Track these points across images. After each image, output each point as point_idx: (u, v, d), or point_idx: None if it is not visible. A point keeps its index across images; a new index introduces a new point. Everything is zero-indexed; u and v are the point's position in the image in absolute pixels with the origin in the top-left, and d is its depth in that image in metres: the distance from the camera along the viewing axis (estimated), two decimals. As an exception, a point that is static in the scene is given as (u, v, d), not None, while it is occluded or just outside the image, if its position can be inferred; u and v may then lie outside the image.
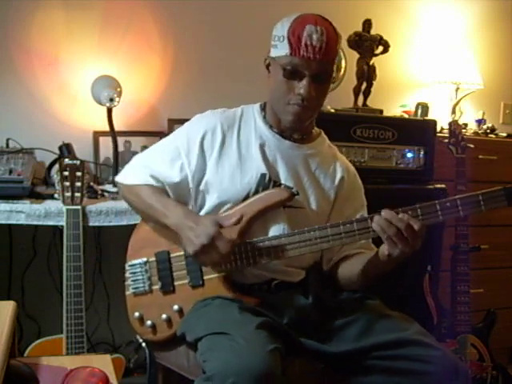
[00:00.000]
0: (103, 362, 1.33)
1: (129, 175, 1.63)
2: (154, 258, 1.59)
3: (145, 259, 1.60)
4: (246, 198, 1.52)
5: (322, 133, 1.68)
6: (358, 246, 1.56)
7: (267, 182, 1.53)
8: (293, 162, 1.57)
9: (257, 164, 1.54)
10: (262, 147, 1.55)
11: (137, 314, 1.58)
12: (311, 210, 1.56)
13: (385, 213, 1.34)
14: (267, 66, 1.54)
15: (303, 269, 1.59)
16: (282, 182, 1.55)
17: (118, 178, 1.67)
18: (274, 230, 1.51)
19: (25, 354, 1.99)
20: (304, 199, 1.55)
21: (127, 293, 1.61)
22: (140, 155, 1.67)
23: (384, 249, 1.36)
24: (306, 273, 1.59)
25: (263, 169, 1.53)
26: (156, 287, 1.57)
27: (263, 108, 1.60)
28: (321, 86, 1.48)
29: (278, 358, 1.25)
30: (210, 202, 1.54)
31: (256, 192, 1.52)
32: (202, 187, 1.55)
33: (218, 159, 1.54)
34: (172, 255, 1.57)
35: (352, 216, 1.55)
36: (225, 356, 1.24)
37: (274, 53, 1.49)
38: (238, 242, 1.45)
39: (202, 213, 1.56)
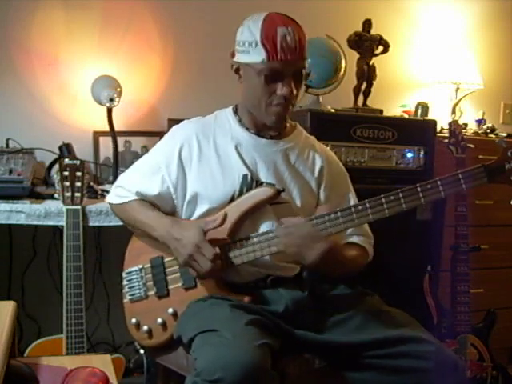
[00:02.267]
0: (103, 362, 1.33)
1: (116, 195, 1.67)
2: (148, 264, 1.61)
3: (140, 266, 1.62)
4: (232, 200, 1.53)
5: (298, 125, 1.69)
6: (350, 232, 1.57)
7: (250, 181, 1.54)
8: (272, 159, 1.58)
9: (237, 166, 1.55)
10: (238, 149, 1.57)
11: (134, 320, 1.59)
12: (296, 203, 1.57)
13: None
14: (236, 71, 1.56)
15: (298, 263, 1.59)
16: (264, 180, 1.56)
17: (108, 199, 1.72)
18: (264, 228, 1.52)
19: (25, 354, 1.99)
20: (287, 194, 1.56)
21: (125, 300, 1.63)
22: (124, 174, 1.71)
23: None
24: (301, 268, 1.60)
25: (244, 170, 1.55)
26: (151, 293, 1.59)
27: (236, 111, 1.62)
28: (298, 83, 1.51)
29: (266, 353, 1.26)
30: (198, 210, 1.57)
31: (240, 193, 1.54)
32: (188, 198, 1.57)
33: (198, 168, 1.56)
34: (166, 259, 1.59)
35: (341, 204, 1.55)
36: (213, 351, 1.25)
37: (245, 58, 1.49)
38: (227, 242, 1.48)
39: (191, 219, 1.58)
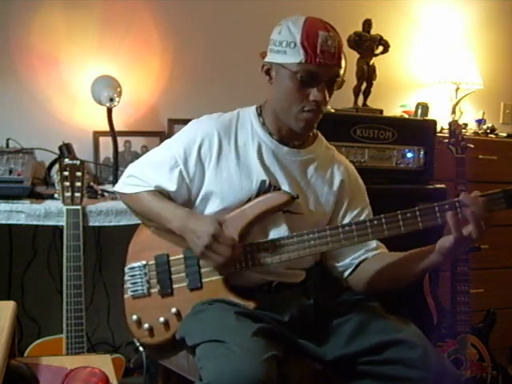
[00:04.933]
0: (103, 362, 1.32)
1: (128, 184, 1.62)
2: (153, 261, 1.58)
3: (144, 262, 1.59)
4: (247, 203, 1.51)
5: (319, 134, 1.66)
6: (374, 246, 1.54)
7: (267, 187, 1.52)
8: (290, 169, 1.55)
9: (256, 170, 1.53)
10: (259, 153, 1.54)
11: (134, 317, 1.57)
12: (310, 215, 1.55)
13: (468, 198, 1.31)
14: (267, 72, 1.51)
15: (304, 269, 1.59)
16: (281, 188, 1.54)
17: (117, 188, 1.67)
18: (274, 234, 1.51)
19: (25, 354, 1.99)
20: (302, 205, 1.55)
21: (125, 296, 1.61)
22: (135, 164, 1.65)
23: (449, 240, 1.33)
24: (307, 273, 1.59)
25: (263, 175, 1.52)
26: (154, 290, 1.57)
27: (260, 113, 1.58)
28: (332, 90, 1.48)
29: (273, 367, 1.25)
30: (211, 209, 1.54)
31: (257, 198, 1.51)
32: (201, 195, 1.55)
33: (216, 166, 1.52)
34: (171, 258, 1.57)
35: (357, 217, 1.56)
36: (220, 364, 1.24)
37: (280, 59, 1.45)
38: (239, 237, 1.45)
39: None
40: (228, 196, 1.51)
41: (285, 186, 1.53)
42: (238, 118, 1.58)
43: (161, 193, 1.56)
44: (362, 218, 1.58)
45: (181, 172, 1.53)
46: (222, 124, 1.55)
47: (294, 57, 1.42)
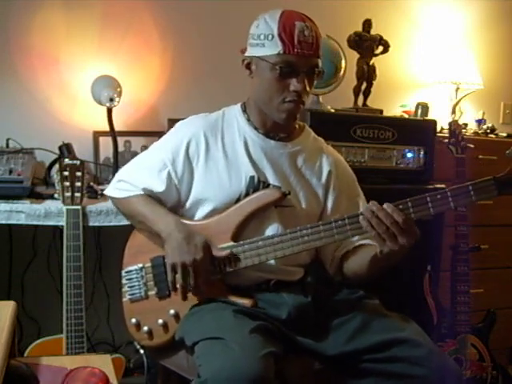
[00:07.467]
0: (103, 362, 1.33)
1: (118, 188, 1.63)
2: (149, 264, 1.59)
3: (140, 265, 1.60)
4: (238, 201, 1.52)
5: (306, 126, 1.67)
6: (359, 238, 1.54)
7: (257, 183, 1.53)
8: (279, 162, 1.56)
9: (245, 167, 1.53)
10: (247, 149, 1.55)
11: (133, 320, 1.58)
12: (301, 208, 1.56)
13: (372, 206, 1.32)
14: (247, 66, 1.53)
15: (302, 267, 1.59)
16: (270, 182, 1.54)
17: (107, 192, 1.68)
18: (269, 230, 1.52)
19: (25, 354, 1.99)
20: (294, 198, 1.55)
21: (124, 299, 1.62)
22: (125, 169, 1.67)
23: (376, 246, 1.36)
24: (305, 271, 1.59)
25: (251, 171, 1.53)
26: (152, 293, 1.58)
27: (244, 110, 1.59)
28: (312, 80, 1.49)
29: (271, 363, 1.25)
30: (202, 209, 1.55)
31: (247, 195, 1.52)
32: (192, 196, 1.55)
33: (205, 166, 1.54)
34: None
35: (349, 208, 1.55)
36: (218, 361, 1.25)
37: (259, 52, 1.47)
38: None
39: (195, 219, 1.57)
40: (218, 195, 1.52)
41: (274, 180, 1.54)
42: (224, 117, 1.60)
43: (150, 196, 1.58)
44: (353, 209, 1.58)
45: (169, 173, 1.55)
46: (208, 123, 1.57)
47: (272, 48, 1.44)
